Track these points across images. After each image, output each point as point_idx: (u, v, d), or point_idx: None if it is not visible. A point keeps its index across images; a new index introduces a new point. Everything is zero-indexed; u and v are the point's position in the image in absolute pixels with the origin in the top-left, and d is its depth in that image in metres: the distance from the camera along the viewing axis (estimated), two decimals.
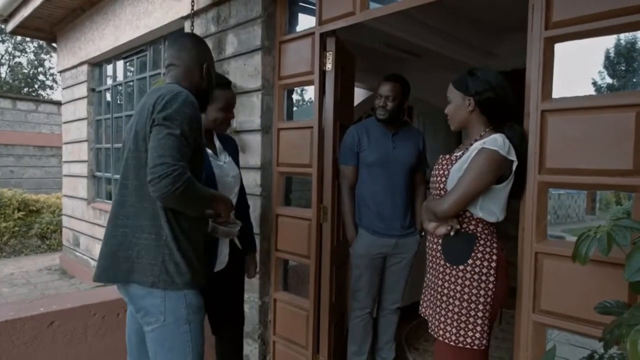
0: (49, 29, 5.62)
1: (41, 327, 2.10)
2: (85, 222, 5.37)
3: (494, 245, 1.55)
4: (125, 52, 4.63)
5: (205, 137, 1.98)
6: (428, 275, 1.71)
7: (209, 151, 1.98)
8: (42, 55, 19.61)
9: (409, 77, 2.50)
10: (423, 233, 2.40)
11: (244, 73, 2.79)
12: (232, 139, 2.30)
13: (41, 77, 20.16)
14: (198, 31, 3.13)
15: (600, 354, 1.48)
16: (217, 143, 2.09)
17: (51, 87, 20.44)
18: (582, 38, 1.56)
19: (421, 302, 1.78)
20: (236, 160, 2.17)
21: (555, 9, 1.58)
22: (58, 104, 10.42)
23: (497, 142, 1.49)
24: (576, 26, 1.54)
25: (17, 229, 7.24)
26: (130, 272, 1.39)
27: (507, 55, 4.16)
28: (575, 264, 1.28)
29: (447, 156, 1.66)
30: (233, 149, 2.18)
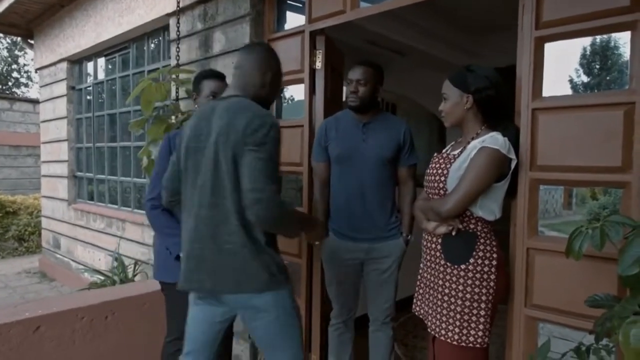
0: (24, 25, 5.45)
1: (27, 332, 2.05)
2: (66, 224, 5.24)
3: (494, 243, 1.56)
4: (107, 49, 4.52)
5: None
6: (424, 274, 1.71)
7: None
8: (16, 52, 18.99)
9: (394, 76, 2.50)
10: (409, 237, 2.19)
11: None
12: None
13: (15, 74, 19.53)
14: (183, 28, 3.08)
15: (587, 346, 1.53)
16: None
17: (26, 85, 19.82)
18: (571, 38, 1.60)
19: (415, 300, 1.78)
20: None
21: (545, 9, 1.61)
22: (34, 102, 10.12)
23: (498, 141, 1.49)
24: (565, 26, 1.57)
25: None
26: (239, 283, 1.51)
27: (490, 54, 4.22)
28: (566, 259, 1.32)
29: (444, 154, 1.65)
30: None
